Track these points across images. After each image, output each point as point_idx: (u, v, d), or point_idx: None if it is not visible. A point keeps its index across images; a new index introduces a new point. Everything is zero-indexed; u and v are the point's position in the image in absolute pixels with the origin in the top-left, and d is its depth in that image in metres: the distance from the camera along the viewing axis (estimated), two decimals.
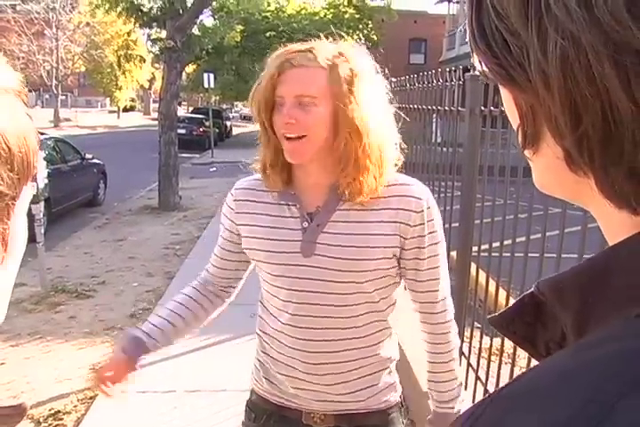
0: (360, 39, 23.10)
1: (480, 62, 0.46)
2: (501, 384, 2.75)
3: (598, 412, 0.33)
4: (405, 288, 1.63)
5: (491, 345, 3.50)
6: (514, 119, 0.47)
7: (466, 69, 3.38)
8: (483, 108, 2.99)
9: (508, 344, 3.56)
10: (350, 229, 1.50)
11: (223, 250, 1.72)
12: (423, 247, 1.52)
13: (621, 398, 0.33)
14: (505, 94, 0.47)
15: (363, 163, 1.45)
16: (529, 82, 0.42)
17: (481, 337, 3.20)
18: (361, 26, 26.61)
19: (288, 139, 1.46)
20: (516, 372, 2.78)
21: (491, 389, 2.87)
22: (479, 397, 2.94)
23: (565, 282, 0.45)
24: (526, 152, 0.48)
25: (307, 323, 1.54)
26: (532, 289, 0.48)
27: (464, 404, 1.68)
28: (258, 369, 1.70)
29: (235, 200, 1.65)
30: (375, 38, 26.59)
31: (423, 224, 1.50)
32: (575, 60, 0.38)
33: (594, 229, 2.18)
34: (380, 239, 1.49)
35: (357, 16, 26.61)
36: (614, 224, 0.45)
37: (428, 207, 1.52)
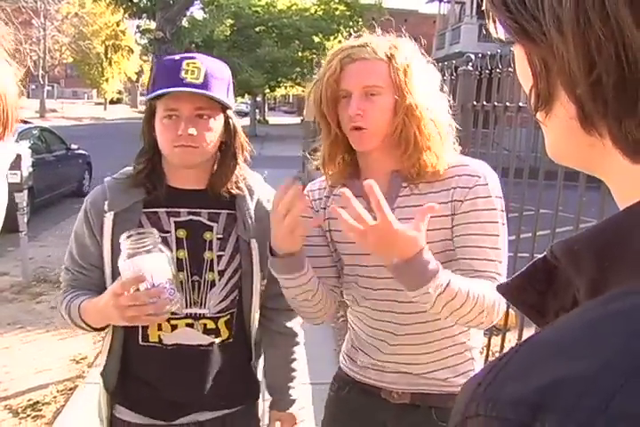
0: (350, 36, 23.06)
1: (495, 22, 0.46)
2: None
3: (629, 364, 0.32)
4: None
5: None
6: (526, 80, 0.47)
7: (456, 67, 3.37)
8: (475, 102, 2.97)
9: (494, 342, 3.55)
10: (413, 213, 1.50)
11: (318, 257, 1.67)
12: (471, 223, 1.49)
13: None
14: (519, 54, 0.47)
15: (422, 144, 1.49)
16: (543, 34, 0.41)
17: None
18: (351, 23, 26.59)
19: (355, 128, 1.49)
20: None
21: None
22: None
23: (580, 244, 0.43)
24: (539, 116, 0.47)
25: (384, 307, 1.59)
26: (545, 253, 0.46)
27: None
28: (345, 346, 1.79)
29: (312, 201, 1.69)
30: None
31: (475, 199, 1.49)
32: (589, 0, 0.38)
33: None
34: (439, 221, 1.49)
35: (348, 13, 26.60)
36: (629, 185, 0.44)
37: (485, 184, 1.50)
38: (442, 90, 1.59)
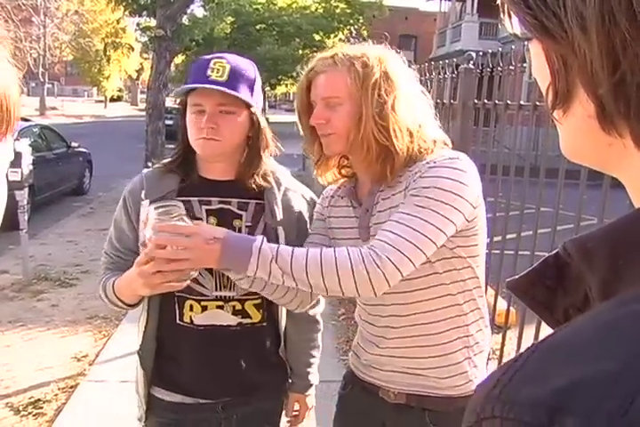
0: (350, 34, 23.06)
1: (511, 17, 0.45)
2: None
3: None
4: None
5: None
6: (543, 78, 0.46)
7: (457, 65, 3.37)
8: (476, 100, 2.97)
9: (495, 340, 3.55)
10: (388, 205, 1.58)
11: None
12: (403, 204, 1.49)
13: None
14: (535, 51, 0.46)
15: (377, 152, 1.54)
16: (564, 32, 0.40)
17: None
18: (352, 21, 26.56)
19: (322, 135, 1.60)
20: None
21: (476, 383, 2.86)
22: None
23: (595, 242, 0.42)
24: (555, 114, 0.46)
25: (377, 300, 1.61)
26: (558, 249, 0.45)
27: None
28: (353, 343, 1.85)
29: (323, 198, 1.82)
30: (365, 34, 26.58)
31: (414, 183, 1.49)
32: None
33: (587, 227, 2.16)
34: (393, 212, 1.52)
35: (348, 11, 26.54)
36: None
37: (427, 171, 1.49)
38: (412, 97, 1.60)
